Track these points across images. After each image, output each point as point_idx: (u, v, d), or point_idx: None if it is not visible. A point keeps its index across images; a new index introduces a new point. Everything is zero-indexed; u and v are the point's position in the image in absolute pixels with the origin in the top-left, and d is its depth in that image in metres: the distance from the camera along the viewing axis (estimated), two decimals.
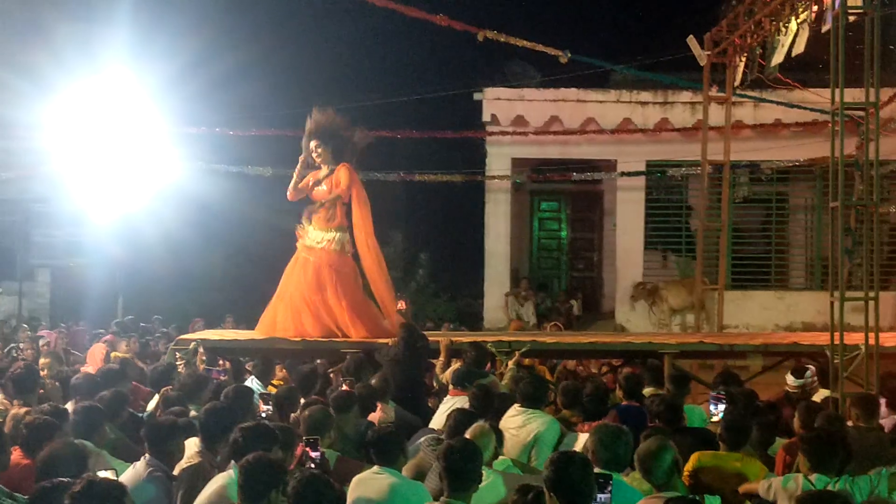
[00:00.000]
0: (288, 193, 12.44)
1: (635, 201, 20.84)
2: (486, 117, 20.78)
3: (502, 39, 15.56)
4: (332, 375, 11.41)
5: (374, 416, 8.52)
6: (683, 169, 19.89)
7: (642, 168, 20.53)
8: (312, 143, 12.36)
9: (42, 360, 11.59)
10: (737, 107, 18.41)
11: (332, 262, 12.21)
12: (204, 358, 11.30)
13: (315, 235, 12.28)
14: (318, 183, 12.40)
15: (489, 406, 8.20)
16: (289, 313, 12.18)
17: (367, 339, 11.81)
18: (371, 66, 25.57)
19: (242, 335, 12.78)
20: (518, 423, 7.99)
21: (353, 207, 12.38)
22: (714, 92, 16.81)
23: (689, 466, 6.85)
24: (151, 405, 9.41)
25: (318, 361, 12.03)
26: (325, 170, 12.38)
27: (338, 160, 12.37)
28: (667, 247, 21.70)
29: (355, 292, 12.34)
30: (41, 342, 14.40)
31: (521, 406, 8.13)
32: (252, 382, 10.17)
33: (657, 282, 20.39)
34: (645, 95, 20.63)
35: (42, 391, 9.54)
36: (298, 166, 12.49)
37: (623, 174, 20.37)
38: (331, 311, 12.11)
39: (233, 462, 6.43)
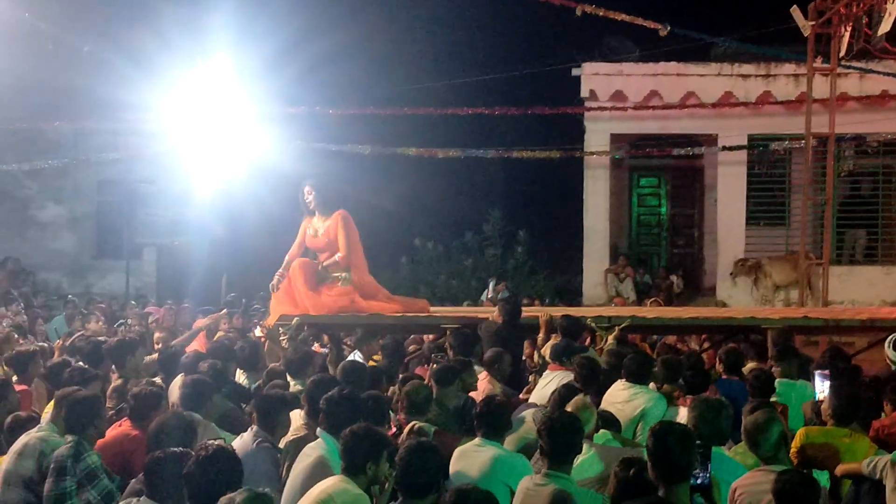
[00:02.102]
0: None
1: (737, 176, 20.52)
2: (584, 93, 20.63)
3: (600, 13, 15.39)
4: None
5: (481, 388, 8.56)
6: (786, 142, 19.49)
7: (744, 142, 20.16)
8: (306, 188, 12.27)
9: (156, 335, 11.92)
10: (842, 78, 17.95)
11: (352, 298, 12.20)
12: (296, 334, 11.43)
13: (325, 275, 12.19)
14: (314, 234, 12.30)
15: (594, 380, 8.19)
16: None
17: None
18: (468, 43, 25.57)
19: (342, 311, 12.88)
20: (624, 398, 7.96)
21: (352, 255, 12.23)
22: (818, 63, 16.43)
23: (796, 442, 6.76)
24: (242, 379, 9.59)
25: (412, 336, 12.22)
26: (317, 218, 12.27)
27: (332, 208, 12.21)
28: (769, 222, 21.34)
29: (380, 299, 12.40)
30: (149, 318, 14.74)
31: (627, 381, 8.10)
32: (355, 356, 10.29)
33: (760, 257, 20.07)
34: (747, 68, 20.26)
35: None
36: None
37: (724, 148, 20.03)
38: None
39: (319, 430, 6.55)
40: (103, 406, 7.15)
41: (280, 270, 11.98)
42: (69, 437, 6.57)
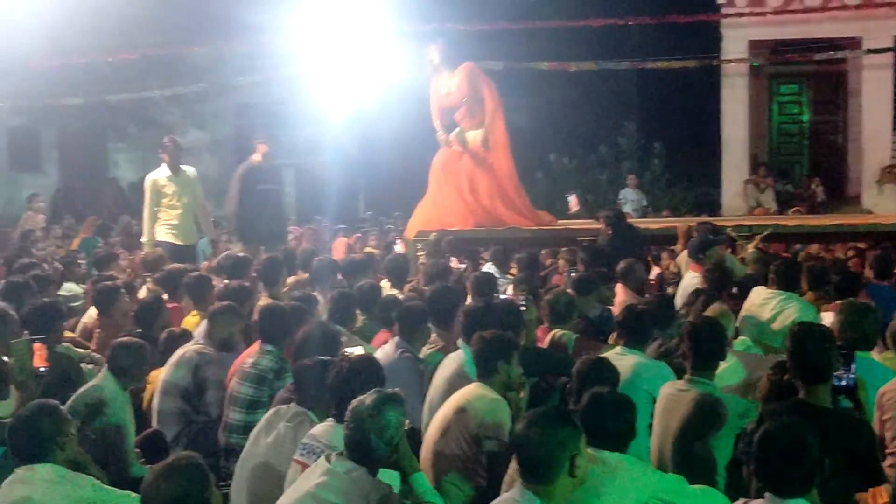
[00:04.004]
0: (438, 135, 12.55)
1: (882, 80, 19.78)
2: None
3: None
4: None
5: (617, 300, 8.56)
6: None
7: (889, 44, 19.38)
8: (431, 47, 12.37)
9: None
10: None
11: (480, 161, 12.25)
12: (434, 249, 11.57)
13: (460, 135, 12.36)
14: (447, 92, 12.38)
15: (727, 283, 8.12)
16: (441, 208, 12.39)
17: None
18: None
19: (479, 226, 12.96)
20: (771, 307, 7.82)
21: (485, 102, 12.29)
22: None
23: None
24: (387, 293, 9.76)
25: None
26: (445, 74, 12.33)
27: (457, 62, 12.32)
28: None
29: (507, 186, 12.42)
30: (289, 237, 15.05)
31: (776, 289, 7.95)
32: (490, 268, 10.38)
33: None
34: None
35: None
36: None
37: (869, 51, 19.29)
38: (486, 210, 12.26)
39: (460, 341, 6.66)
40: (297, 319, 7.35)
41: (441, 134, 12.16)
42: (269, 348, 6.78)
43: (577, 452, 4.07)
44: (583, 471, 4.08)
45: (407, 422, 4.69)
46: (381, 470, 4.66)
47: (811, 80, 22.61)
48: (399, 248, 13.80)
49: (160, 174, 12.15)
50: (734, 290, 8.30)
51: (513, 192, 12.58)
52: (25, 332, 6.97)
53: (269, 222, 12.79)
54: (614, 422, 4.73)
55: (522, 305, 7.16)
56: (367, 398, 4.58)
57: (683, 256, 10.11)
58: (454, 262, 12.31)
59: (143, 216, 12.33)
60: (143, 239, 12.25)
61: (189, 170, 12.35)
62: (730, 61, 20.06)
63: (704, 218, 13.73)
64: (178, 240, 12.02)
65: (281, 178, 13.19)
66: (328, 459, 4.60)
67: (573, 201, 17.02)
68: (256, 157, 12.85)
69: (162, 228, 12.02)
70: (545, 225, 12.51)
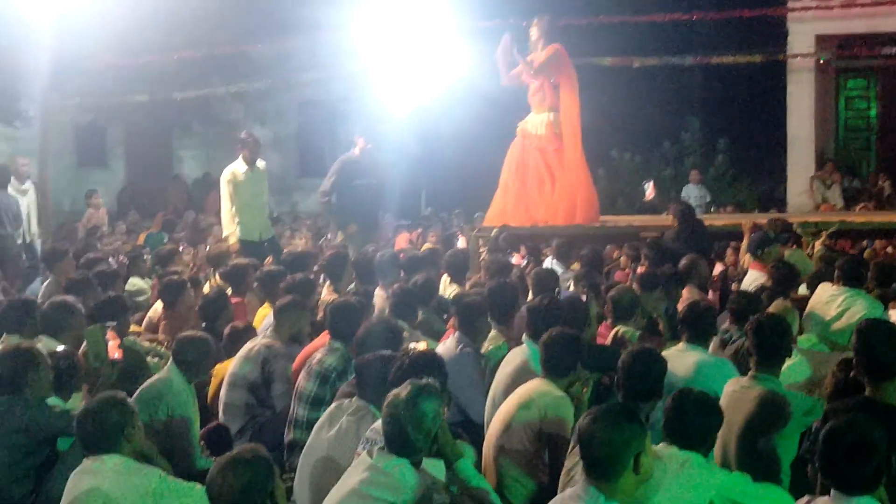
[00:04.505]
0: (501, 80, 12.51)
1: None
2: None
3: None
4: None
5: (683, 298, 8.50)
6: None
7: None
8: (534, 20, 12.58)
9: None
10: None
11: (547, 144, 12.29)
12: (495, 245, 11.58)
13: (533, 120, 12.40)
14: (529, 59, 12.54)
15: (792, 281, 8.04)
16: (515, 202, 12.43)
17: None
18: None
19: (540, 222, 12.95)
20: (838, 303, 7.72)
21: (562, 90, 12.32)
22: None
23: None
24: (447, 288, 9.78)
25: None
26: (538, 53, 12.41)
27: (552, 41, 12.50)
28: None
29: (570, 175, 12.40)
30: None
31: (842, 286, 7.85)
32: (551, 263, 10.35)
33: None
34: None
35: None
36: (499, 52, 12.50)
37: None
38: (550, 204, 12.26)
39: (525, 336, 6.66)
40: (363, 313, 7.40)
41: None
42: (337, 345, 6.82)
43: (642, 450, 4.04)
44: (647, 468, 4.06)
45: (444, 410, 4.70)
46: (426, 460, 4.68)
47: (879, 74, 22.22)
48: (461, 243, 13.82)
49: (238, 168, 12.20)
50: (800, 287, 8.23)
51: (580, 185, 12.57)
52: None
53: (365, 217, 12.81)
54: (697, 422, 4.72)
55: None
56: (402, 391, 4.60)
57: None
58: (517, 258, 12.31)
59: (223, 211, 12.38)
60: (225, 233, 12.30)
61: (262, 164, 12.44)
62: (796, 56, 19.78)
63: (776, 214, 13.60)
64: (254, 236, 12.09)
65: (380, 171, 13.17)
66: (370, 455, 4.62)
67: (650, 189, 16.85)
68: (355, 151, 12.87)
69: (241, 224, 12.06)
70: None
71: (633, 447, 4.02)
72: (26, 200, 13.55)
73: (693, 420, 4.71)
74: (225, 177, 12.27)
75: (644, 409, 5.17)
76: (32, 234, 13.43)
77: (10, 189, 13.30)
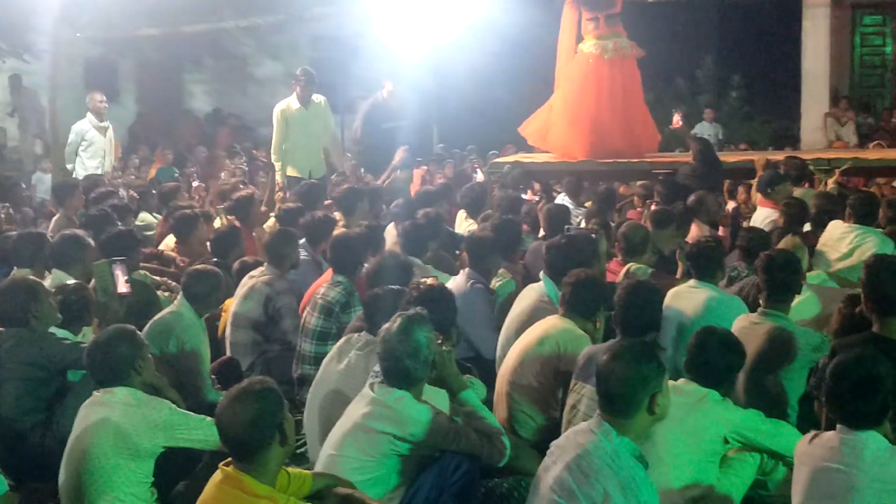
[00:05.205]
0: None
1: None
2: None
3: None
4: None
5: (691, 235, 8.49)
6: None
7: None
8: None
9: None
10: None
11: (618, 69, 12.15)
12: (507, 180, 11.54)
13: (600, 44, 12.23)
14: None
15: (804, 219, 8.01)
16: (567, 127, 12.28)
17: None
18: None
19: (553, 158, 12.89)
20: (849, 241, 7.70)
21: None
22: None
23: None
24: (462, 224, 9.77)
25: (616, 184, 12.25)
26: None
27: None
28: None
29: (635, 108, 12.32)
30: (362, 170, 15.09)
31: (854, 223, 7.82)
32: (563, 200, 10.34)
33: None
34: None
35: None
36: None
37: None
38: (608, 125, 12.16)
39: (542, 273, 6.65)
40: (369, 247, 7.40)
41: None
42: (339, 278, 6.84)
43: (659, 391, 4.03)
44: (662, 409, 4.05)
45: (438, 337, 4.71)
46: (431, 389, 4.70)
47: (895, 11, 21.96)
48: (480, 176, 13.79)
49: (290, 104, 12.08)
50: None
51: (639, 113, 12.53)
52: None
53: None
54: (720, 360, 4.77)
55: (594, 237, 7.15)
56: (393, 324, 4.63)
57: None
58: (529, 195, 12.29)
59: (272, 144, 12.21)
60: (277, 166, 12.10)
61: (320, 99, 12.25)
62: None
63: (789, 151, 13.52)
64: (305, 173, 11.88)
65: (407, 114, 12.97)
66: (372, 388, 4.65)
67: (677, 118, 16.72)
68: (383, 94, 12.69)
69: (291, 160, 11.95)
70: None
71: (651, 387, 4.00)
72: (106, 137, 13.45)
73: (715, 358, 4.77)
74: (276, 111, 12.15)
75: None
76: (106, 171, 13.38)
77: (88, 125, 13.26)
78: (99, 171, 12.98)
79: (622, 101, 12.20)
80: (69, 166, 13.48)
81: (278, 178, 11.85)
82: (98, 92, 13.65)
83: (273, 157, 12.18)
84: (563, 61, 12.53)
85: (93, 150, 13.21)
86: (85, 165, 13.16)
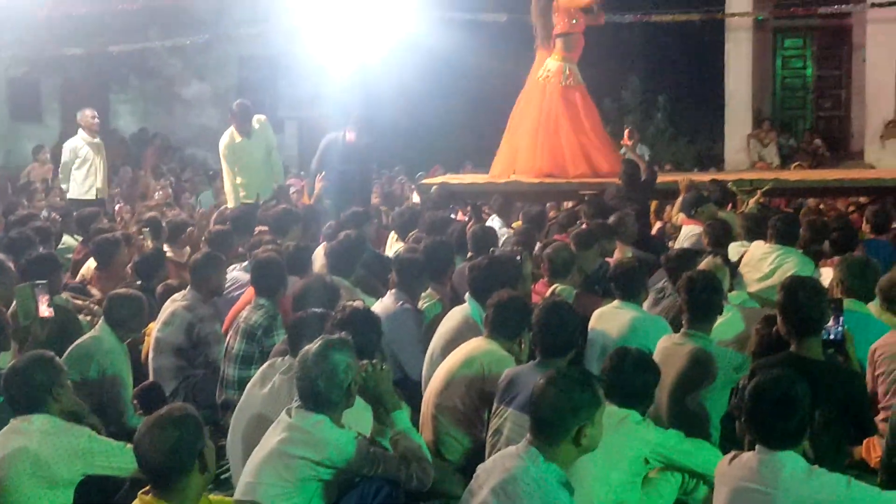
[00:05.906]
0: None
1: (887, 34, 19.44)
2: None
3: None
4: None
5: (616, 255, 8.55)
6: None
7: None
8: None
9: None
10: None
11: (566, 93, 12.26)
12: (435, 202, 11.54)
13: (551, 66, 12.34)
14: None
15: (727, 240, 8.13)
16: (528, 150, 12.37)
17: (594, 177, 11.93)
18: None
19: (480, 179, 12.95)
20: (770, 261, 7.82)
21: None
22: None
23: None
24: (393, 246, 9.75)
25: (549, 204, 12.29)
26: None
27: None
28: None
29: (586, 123, 12.42)
30: (291, 190, 15.02)
31: (775, 243, 7.94)
32: (493, 221, 10.36)
33: None
34: None
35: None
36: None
37: (874, 5, 19.04)
38: (564, 145, 12.25)
39: (467, 294, 6.66)
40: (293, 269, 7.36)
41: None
42: (262, 301, 6.74)
43: (590, 423, 4.00)
44: (590, 441, 4.02)
45: (363, 363, 4.67)
46: (358, 405, 4.67)
47: (815, 34, 22.33)
48: (416, 198, 13.78)
49: (233, 136, 12.08)
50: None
51: (595, 133, 12.63)
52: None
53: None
54: (636, 380, 4.81)
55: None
56: (313, 346, 4.60)
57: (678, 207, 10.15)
58: (460, 215, 12.29)
59: (224, 182, 12.41)
60: (228, 204, 12.20)
61: (259, 122, 12.25)
62: (734, 15, 19.89)
63: (713, 172, 13.70)
64: (252, 197, 11.94)
65: (367, 156, 12.81)
66: (289, 414, 4.60)
67: (626, 134, 16.93)
68: (346, 137, 12.40)
69: (243, 188, 12.08)
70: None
71: (581, 417, 3.98)
72: (100, 154, 13.14)
73: (631, 378, 4.80)
74: (221, 148, 12.20)
75: (561, 363, 5.19)
76: (101, 189, 13.11)
77: (81, 142, 13.01)
78: (92, 191, 12.82)
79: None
80: (63, 186, 13.30)
81: (231, 206, 11.87)
82: (89, 108, 13.41)
83: (229, 196, 12.29)
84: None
85: (86, 168, 12.94)
86: (78, 184, 12.93)
